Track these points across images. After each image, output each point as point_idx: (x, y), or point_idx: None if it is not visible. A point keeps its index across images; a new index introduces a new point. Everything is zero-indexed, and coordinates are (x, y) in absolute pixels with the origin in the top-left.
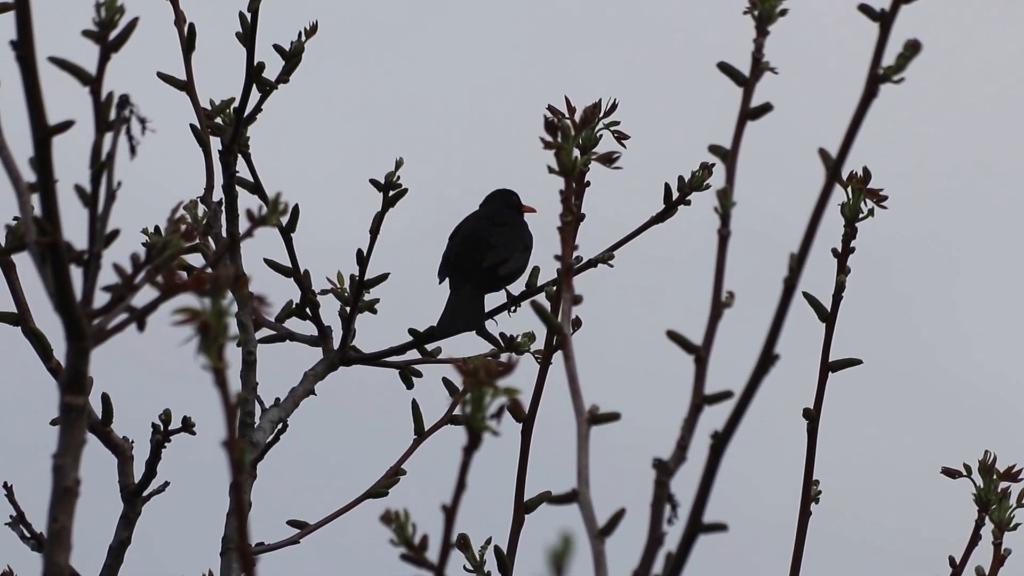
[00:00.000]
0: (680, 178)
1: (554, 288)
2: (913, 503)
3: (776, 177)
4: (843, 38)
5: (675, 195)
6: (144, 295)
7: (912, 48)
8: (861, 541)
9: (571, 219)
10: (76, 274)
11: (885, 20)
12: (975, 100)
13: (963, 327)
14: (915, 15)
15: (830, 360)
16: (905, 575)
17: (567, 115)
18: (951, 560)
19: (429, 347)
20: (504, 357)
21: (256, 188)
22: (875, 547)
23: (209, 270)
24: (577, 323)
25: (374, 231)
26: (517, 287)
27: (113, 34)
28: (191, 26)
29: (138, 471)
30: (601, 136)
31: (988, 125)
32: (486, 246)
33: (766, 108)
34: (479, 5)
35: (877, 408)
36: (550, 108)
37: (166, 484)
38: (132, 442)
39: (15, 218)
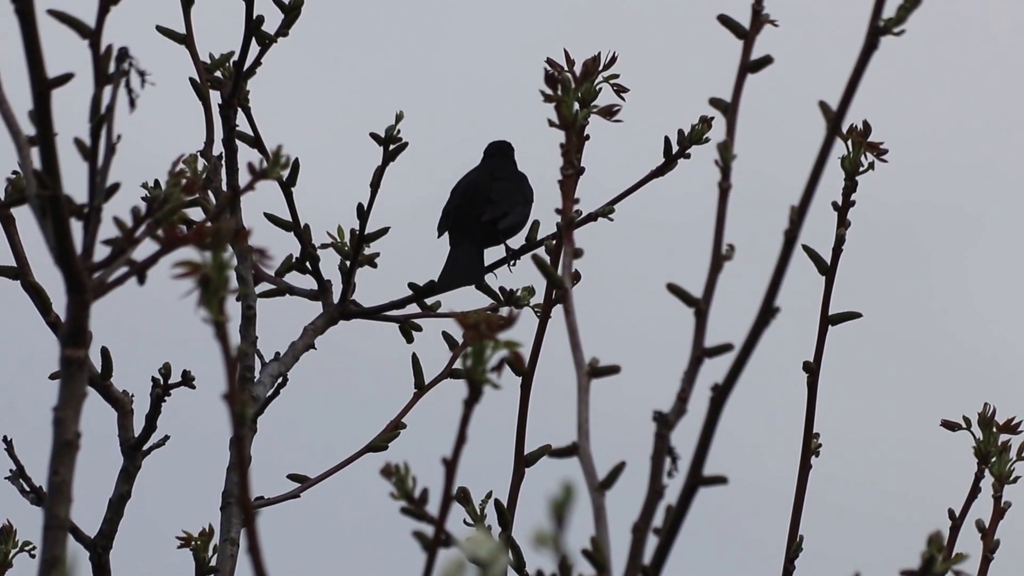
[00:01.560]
0: (680, 132)
1: (554, 242)
2: (913, 457)
3: (778, 132)
4: None
5: (675, 149)
6: (144, 248)
7: (912, 1)
8: (860, 495)
9: (572, 172)
10: (76, 228)
11: None
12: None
13: (975, 293)
14: None
15: (830, 314)
16: (905, 528)
17: (567, 68)
18: (950, 513)
19: (429, 301)
20: (504, 311)
21: (256, 142)
22: (875, 500)
23: (210, 223)
24: (577, 277)
25: (374, 185)
26: (517, 241)
27: None
28: None
29: (138, 425)
30: (601, 89)
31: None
32: (486, 200)
33: (766, 61)
34: None
35: (879, 363)
36: (550, 61)
37: (166, 438)
38: (132, 396)
39: (15, 172)
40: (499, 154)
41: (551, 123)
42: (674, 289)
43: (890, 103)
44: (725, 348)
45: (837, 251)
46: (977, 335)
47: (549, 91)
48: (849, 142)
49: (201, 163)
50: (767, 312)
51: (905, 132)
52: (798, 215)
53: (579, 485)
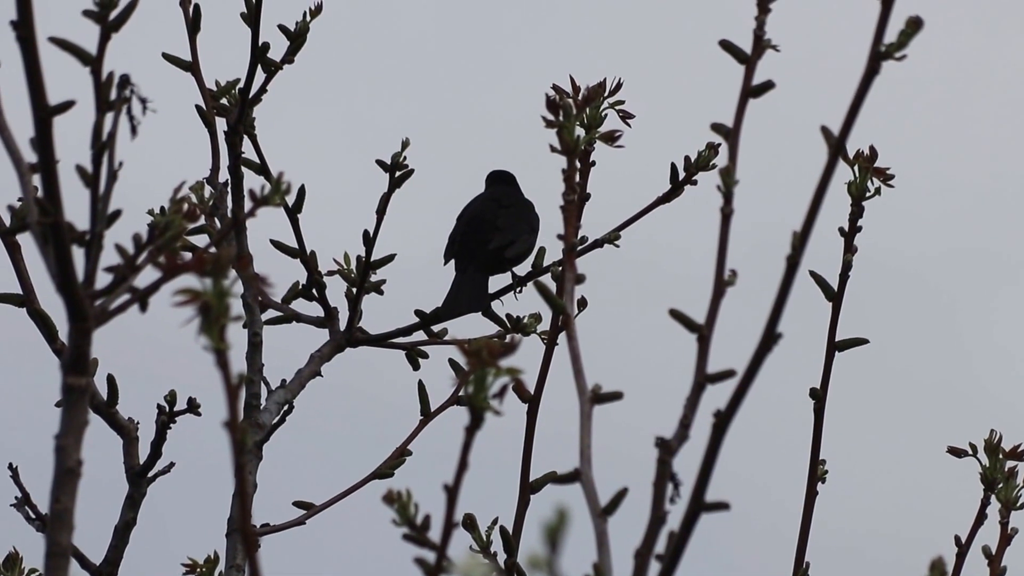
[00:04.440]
0: (686, 158)
1: (560, 268)
2: (919, 483)
3: (781, 158)
4: (845, 16)
5: (681, 175)
6: (146, 276)
7: (913, 25)
8: (866, 521)
9: (574, 199)
10: (78, 255)
11: None
12: None
13: (987, 330)
14: None
15: (837, 340)
16: (911, 555)
17: (571, 95)
18: (957, 539)
19: (435, 328)
20: (508, 338)
21: (262, 169)
22: (880, 528)
23: (211, 251)
24: (582, 303)
25: (380, 212)
26: (523, 268)
27: (113, 14)
28: (196, 6)
29: (143, 452)
30: (606, 115)
31: None
32: (492, 228)
33: (768, 86)
34: None
35: (885, 391)
36: (554, 87)
37: (171, 465)
38: (137, 423)
39: (18, 199)
40: (502, 182)
41: (553, 149)
42: (676, 315)
43: (921, 149)
44: (728, 374)
45: (844, 277)
46: (991, 369)
47: (551, 117)
48: (855, 167)
49: (208, 190)
50: (770, 338)
51: (932, 174)
52: (800, 240)
53: (582, 511)
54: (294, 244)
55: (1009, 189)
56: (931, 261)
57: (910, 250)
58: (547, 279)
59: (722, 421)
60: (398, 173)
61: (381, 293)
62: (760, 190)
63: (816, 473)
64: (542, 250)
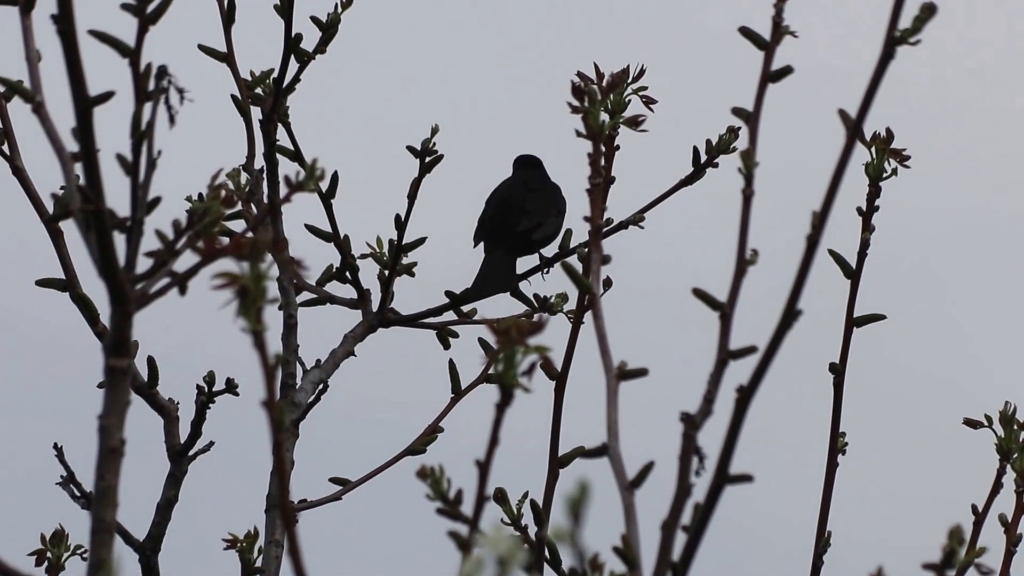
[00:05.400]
0: (708, 141)
1: (586, 249)
2: (936, 455)
3: (803, 140)
4: (862, 2)
5: (703, 158)
6: (185, 260)
7: (928, 11)
8: (886, 492)
9: (599, 182)
10: (119, 240)
11: None
12: None
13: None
14: None
15: (855, 316)
16: (929, 524)
17: (595, 81)
18: (974, 508)
19: (465, 309)
20: (536, 317)
21: (296, 156)
22: (900, 498)
23: (249, 235)
24: (608, 283)
25: (411, 196)
26: (551, 249)
27: (151, 7)
28: (231, 0)
29: (184, 431)
30: (630, 101)
31: None
32: (520, 211)
33: (787, 71)
34: None
35: (903, 367)
36: (579, 74)
37: (211, 444)
38: (177, 403)
39: (61, 187)
40: (530, 166)
41: (579, 134)
42: (699, 293)
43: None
44: (750, 350)
45: (862, 255)
46: (1005, 347)
47: (576, 103)
48: (872, 149)
49: (244, 177)
50: (790, 315)
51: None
52: (820, 220)
53: (609, 484)
54: (328, 228)
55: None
56: (947, 242)
57: (931, 229)
58: (574, 260)
59: (745, 396)
60: (428, 159)
61: (412, 275)
62: (780, 172)
63: (836, 445)
64: (569, 232)
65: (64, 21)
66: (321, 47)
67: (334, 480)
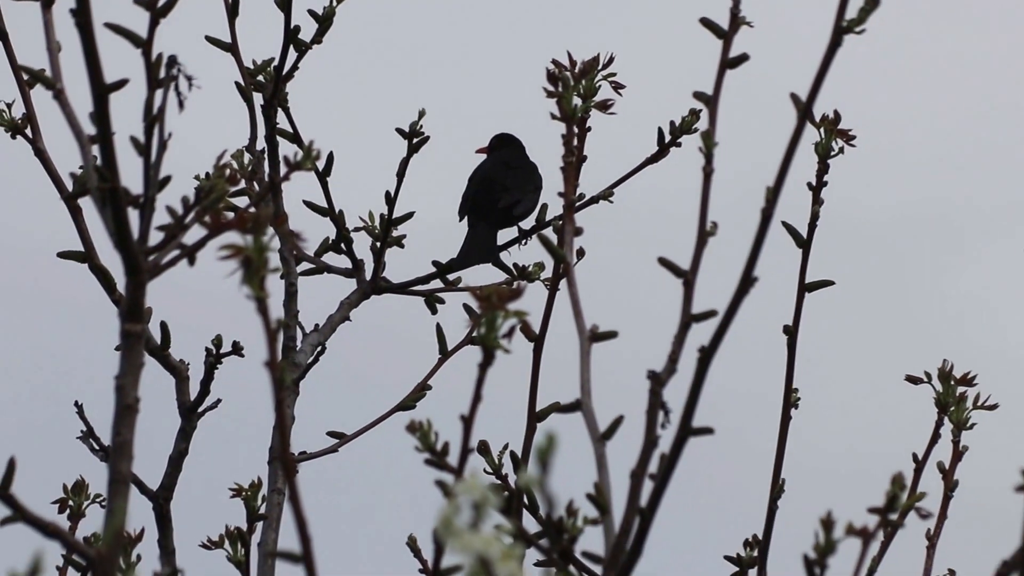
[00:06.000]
0: (671, 123)
1: (559, 222)
2: (881, 409)
3: (758, 122)
4: None
5: (667, 138)
6: (194, 233)
7: (872, 3)
8: (835, 443)
9: (573, 160)
10: (133, 216)
11: None
12: None
13: (951, 282)
14: None
15: (807, 282)
16: (874, 471)
17: (568, 68)
18: (914, 456)
19: (451, 277)
20: (515, 284)
21: (295, 138)
22: (847, 448)
23: (251, 211)
24: (580, 253)
25: (400, 174)
26: (528, 223)
27: (161, 1)
28: None
29: (193, 390)
30: (600, 86)
31: None
32: (502, 188)
33: (743, 58)
34: None
35: (852, 329)
36: (553, 62)
37: (218, 401)
38: (188, 364)
39: (79, 167)
40: (510, 145)
41: (553, 116)
42: (664, 262)
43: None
44: (710, 314)
45: (812, 226)
46: (943, 309)
47: (551, 88)
48: (821, 129)
49: (247, 157)
50: (747, 282)
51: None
52: (773, 194)
53: (582, 437)
54: (324, 204)
55: (973, 146)
56: (892, 214)
57: (877, 204)
58: (549, 232)
59: (706, 356)
60: (415, 140)
61: (402, 246)
62: (737, 150)
63: (789, 400)
64: (545, 206)
65: (82, 15)
66: (318, 38)
67: (331, 434)
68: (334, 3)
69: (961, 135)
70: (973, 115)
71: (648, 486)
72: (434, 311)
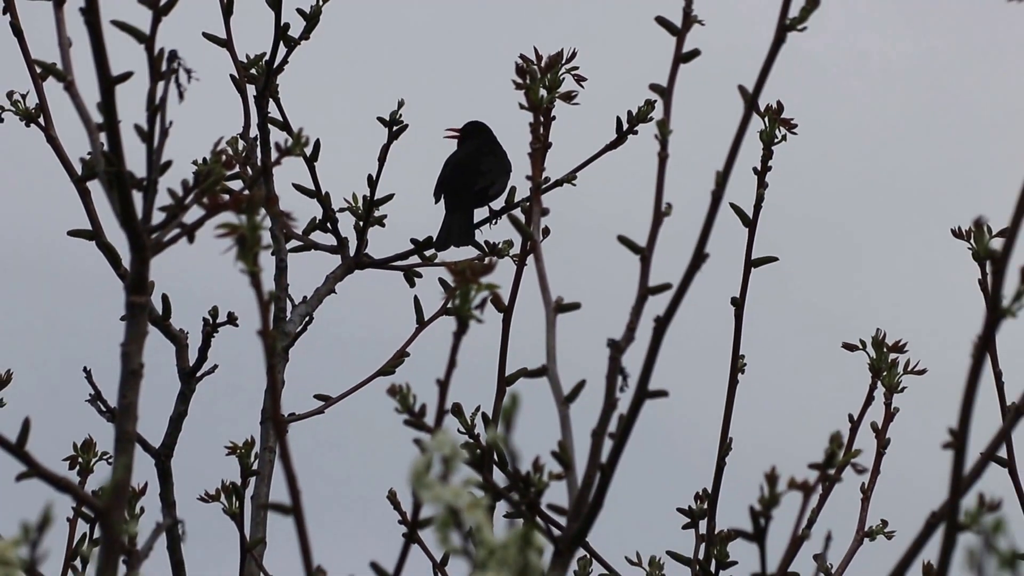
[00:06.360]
0: (629, 112)
1: (527, 203)
2: (819, 374)
3: (708, 111)
4: None
5: (625, 127)
6: (193, 213)
7: (812, 3)
8: (778, 405)
9: (539, 147)
10: (137, 198)
11: None
12: None
13: (882, 260)
14: None
15: (752, 258)
16: (813, 429)
17: (535, 62)
18: (850, 417)
19: (427, 253)
20: (486, 260)
21: (285, 126)
22: (789, 410)
23: (245, 193)
24: (546, 232)
25: (381, 159)
26: (498, 203)
27: (163, 1)
28: None
29: (192, 356)
30: (564, 79)
31: None
32: (476, 172)
33: (695, 53)
34: None
35: (794, 300)
36: (522, 56)
37: (215, 367)
38: (187, 333)
39: (88, 153)
40: (481, 132)
41: (521, 106)
42: (623, 240)
43: (826, 103)
44: (665, 287)
45: (757, 207)
46: (878, 284)
47: (519, 80)
48: (766, 119)
49: (241, 144)
50: (698, 258)
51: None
52: (722, 178)
53: (548, 400)
54: (312, 187)
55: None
56: (833, 199)
57: (818, 188)
58: (518, 212)
59: (661, 325)
60: (395, 128)
61: (383, 225)
62: (689, 138)
63: (736, 366)
64: (514, 189)
65: (90, 13)
66: (306, 34)
67: (318, 397)
68: (320, 2)
69: (899, 124)
70: (907, 105)
71: (608, 444)
72: (412, 284)
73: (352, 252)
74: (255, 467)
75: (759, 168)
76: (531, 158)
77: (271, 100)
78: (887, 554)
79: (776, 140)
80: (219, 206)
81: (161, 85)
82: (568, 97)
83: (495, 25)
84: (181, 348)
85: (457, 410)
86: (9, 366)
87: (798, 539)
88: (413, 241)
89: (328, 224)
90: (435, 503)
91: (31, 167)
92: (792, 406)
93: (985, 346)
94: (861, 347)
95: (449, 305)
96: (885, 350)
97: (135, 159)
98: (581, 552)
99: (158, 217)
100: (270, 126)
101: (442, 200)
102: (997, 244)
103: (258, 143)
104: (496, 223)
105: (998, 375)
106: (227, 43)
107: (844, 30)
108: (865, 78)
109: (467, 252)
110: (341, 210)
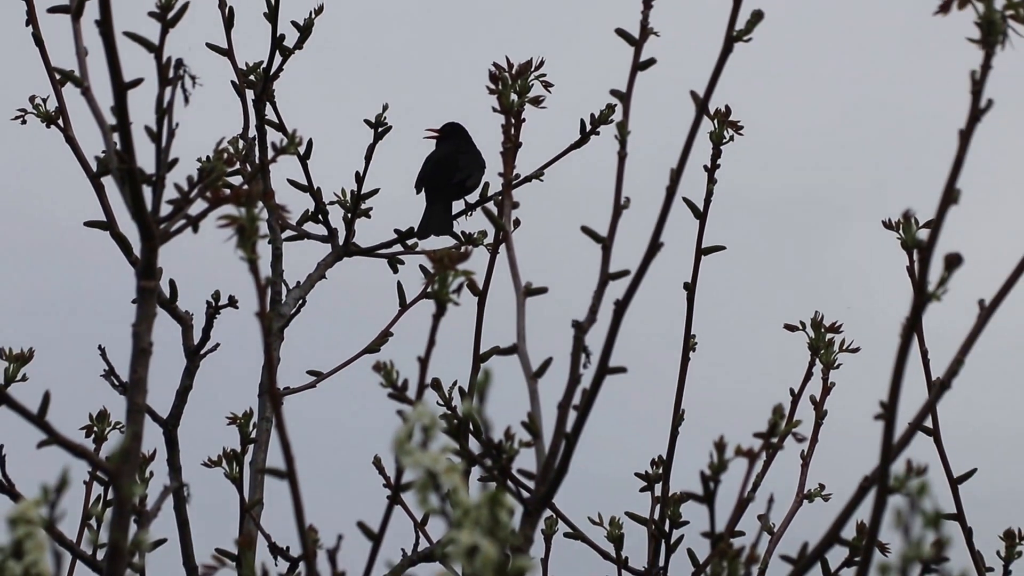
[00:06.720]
0: (591, 115)
1: (499, 197)
2: (762, 351)
3: (663, 114)
4: (709, 9)
5: (588, 128)
6: (197, 206)
7: (757, 16)
8: (726, 380)
9: (511, 146)
10: (147, 192)
11: None
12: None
13: (824, 250)
14: None
15: (702, 247)
16: (759, 402)
17: (507, 69)
18: (791, 391)
19: (409, 242)
20: (463, 248)
21: (280, 127)
22: (736, 384)
23: (245, 188)
24: (517, 223)
25: (367, 157)
26: (473, 197)
27: (171, 14)
28: (230, 9)
29: (197, 335)
30: (533, 85)
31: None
32: (454, 166)
33: (651, 62)
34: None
35: (741, 285)
36: (494, 64)
37: (217, 345)
38: (191, 314)
39: (102, 152)
40: (458, 133)
41: (494, 109)
42: (586, 230)
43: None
44: (624, 273)
45: (707, 201)
46: (822, 273)
47: (492, 86)
48: (715, 121)
49: (240, 143)
50: (654, 247)
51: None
52: (676, 174)
53: (518, 375)
54: (304, 182)
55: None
56: (777, 193)
57: (762, 184)
58: (491, 205)
59: (620, 308)
60: (380, 129)
61: (369, 217)
62: (646, 138)
63: (688, 344)
64: (487, 184)
65: (105, 25)
66: (299, 44)
67: (310, 372)
68: (313, 16)
69: (838, 128)
70: (847, 112)
71: (572, 416)
72: (395, 270)
73: (341, 241)
74: (253, 436)
75: (709, 166)
76: (503, 156)
77: (268, 104)
78: (824, 515)
79: (724, 140)
80: (221, 200)
81: (168, 90)
82: (536, 101)
83: (470, 37)
84: (186, 328)
85: (436, 384)
86: (32, 344)
87: (744, 501)
88: (396, 231)
89: (319, 216)
90: (416, 468)
91: (51, 165)
92: (738, 381)
93: (912, 327)
94: (801, 328)
95: (429, 289)
96: (823, 330)
97: (145, 157)
98: (548, 513)
99: (166, 209)
100: (267, 127)
101: (423, 193)
102: (924, 235)
103: (256, 143)
104: (471, 215)
105: (924, 353)
106: (228, 52)
107: (789, 43)
108: (807, 86)
109: (445, 241)
110: (331, 203)
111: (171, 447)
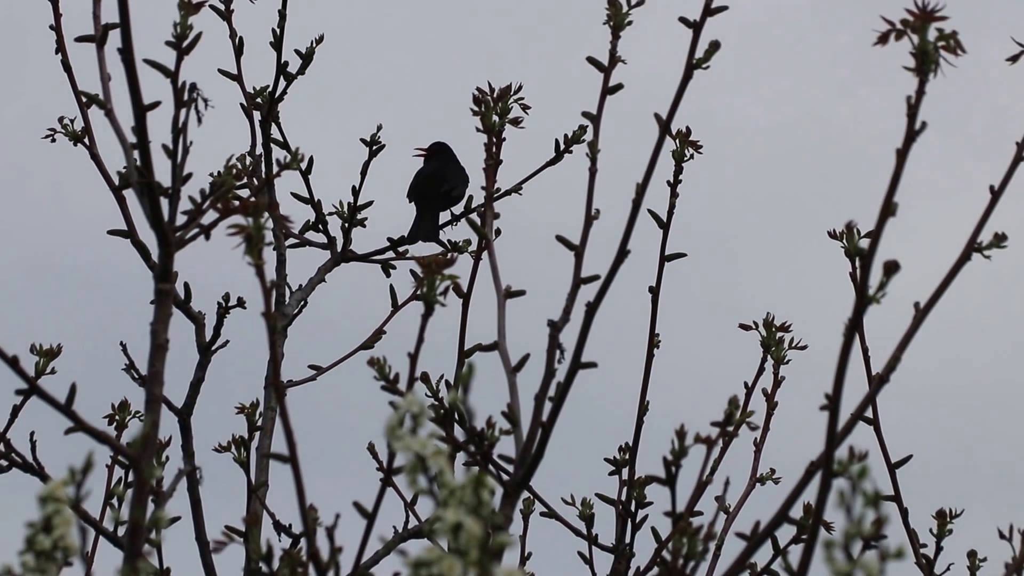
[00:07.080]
0: (565, 135)
1: (482, 209)
2: (719, 349)
3: (630, 134)
4: (671, 39)
5: (562, 146)
6: (209, 216)
7: (714, 47)
8: (687, 377)
9: (492, 163)
10: (164, 203)
11: (696, 27)
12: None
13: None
14: (721, 22)
15: (666, 254)
16: (715, 394)
17: (489, 93)
18: (745, 384)
19: (401, 249)
20: (449, 255)
21: (285, 145)
22: (695, 379)
23: (252, 200)
24: (498, 232)
25: (363, 173)
26: (458, 208)
27: (185, 43)
28: (240, 38)
29: (208, 333)
30: (512, 107)
31: None
32: (442, 179)
33: (619, 87)
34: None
35: (700, 290)
36: (478, 88)
37: (227, 342)
38: (204, 314)
39: (124, 167)
40: (444, 151)
41: (477, 129)
42: (560, 239)
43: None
44: (594, 278)
45: (670, 212)
46: (773, 280)
47: (476, 108)
48: (677, 140)
49: (248, 160)
50: (622, 254)
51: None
52: (641, 188)
53: (499, 369)
54: (306, 195)
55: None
56: (733, 205)
57: (722, 198)
58: (475, 216)
59: (591, 309)
60: (375, 147)
61: (364, 226)
62: (614, 156)
63: (652, 342)
64: (471, 197)
65: (126, 53)
66: (302, 70)
67: (311, 367)
68: (314, 44)
69: (790, 146)
70: (800, 129)
71: (548, 406)
72: (388, 275)
73: (339, 248)
74: (259, 424)
75: (672, 181)
76: (485, 172)
77: (273, 124)
78: (775, 496)
79: (685, 158)
80: (231, 210)
81: (183, 112)
82: (516, 122)
83: (456, 63)
84: (199, 327)
85: (424, 377)
86: (60, 341)
87: (702, 484)
88: (389, 239)
89: (319, 225)
90: (406, 453)
91: (78, 179)
92: (698, 375)
93: (854, 327)
94: (754, 327)
95: (418, 292)
96: (774, 330)
97: (162, 172)
98: (525, 494)
99: (181, 219)
100: (272, 145)
101: (413, 204)
102: (865, 244)
103: (262, 159)
104: (457, 225)
105: (865, 351)
106: (237, 77)
107: (738, 74)
108: (758, 110)
109: (433, 248)
110: (330, 214)
111: (185, 434)
